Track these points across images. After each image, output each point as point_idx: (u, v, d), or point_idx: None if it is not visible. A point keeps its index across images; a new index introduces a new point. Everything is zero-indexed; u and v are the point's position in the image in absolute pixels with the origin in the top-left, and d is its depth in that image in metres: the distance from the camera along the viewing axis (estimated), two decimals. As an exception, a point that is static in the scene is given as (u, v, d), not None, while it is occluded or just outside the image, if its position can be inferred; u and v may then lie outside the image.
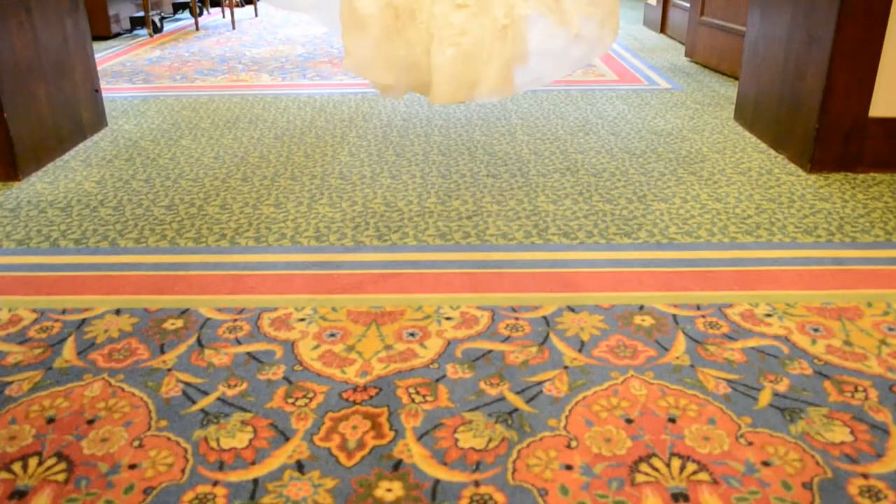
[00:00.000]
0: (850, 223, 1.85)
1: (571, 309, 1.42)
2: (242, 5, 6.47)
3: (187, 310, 1.43)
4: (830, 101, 2.15)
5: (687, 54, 3.97)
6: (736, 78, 3.11)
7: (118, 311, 1.43)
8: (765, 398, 1.14)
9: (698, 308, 1.42)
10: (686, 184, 2.11)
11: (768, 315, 1.39)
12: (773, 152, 2.40)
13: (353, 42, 1.56)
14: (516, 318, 1.39)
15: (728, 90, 3.23)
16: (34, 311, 1.44)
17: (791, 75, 2.33)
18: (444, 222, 1.85)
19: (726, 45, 3.53)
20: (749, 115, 2.65)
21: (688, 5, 4.15)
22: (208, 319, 1.39)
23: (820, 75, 2.16)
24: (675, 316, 1.39)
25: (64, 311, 1.43)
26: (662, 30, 4.91)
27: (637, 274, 1.57)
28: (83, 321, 1.39)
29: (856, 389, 1.16)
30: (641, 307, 1.42)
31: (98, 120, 2.72)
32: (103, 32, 4.94)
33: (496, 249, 1.70)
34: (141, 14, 5.24)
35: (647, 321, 1.37)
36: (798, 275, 1.57)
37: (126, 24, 5.22)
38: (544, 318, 1.39)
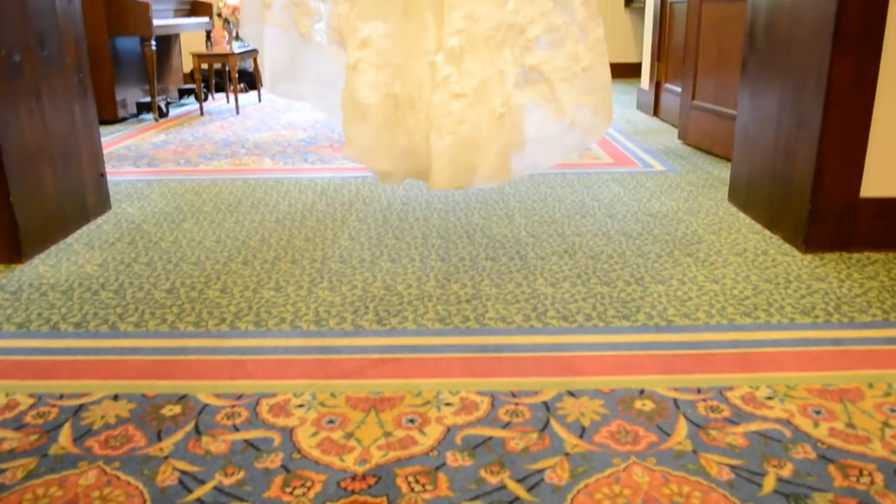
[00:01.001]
0: (848, 303, 1.86)
1: (572, 394, 1.41)
2: (246, 91, 6.64)
3: (185, 395, 1.42)
4: (822, 182, 2.20)
5: (680, 137, 4.06)
6: (729, 160, 3.17)
7: (116, 397, 1.42)
8: (769, 484, 1.12)
9: (699, 391, 1.42)
10: (683, 265, 2.13)
11: (769, 398, 1.39)
12: (767, 233, 2.43)
13: (354, 130, 1.61)
14: (516, 404, 1.38)
15: (721, 172, 3.29)
16: (31, 395, 1.44)
17: (782, 158, 2.39)
18: (443, 306, 1.86)
19: (718, 128, 3.62)
20: (743, 196, 2.70)
21: (679, 90, 4.27)
22: (206, 405, 1.39)
23: (810, 158, 2.21)
24: (675, 400, 1.38)
25: (61, 397, 1.43)
26: (655, 113, 5.03)
27: (637, 357, 1.57)
28: (80, 407, 1.39)
29: (861, 473, 1.15)
30: (642, 391, 1.42)
31: (102, 203, 2.76)
32: (110, 117, 5.05)
33: (495, 333, 1.70)
34: (147, 99, 5.38)
35: (648, 405, 1.36)
36: (798, 356, 1.57)
37: (133, 109, 5.35)
38: (544, 403, 1.38)
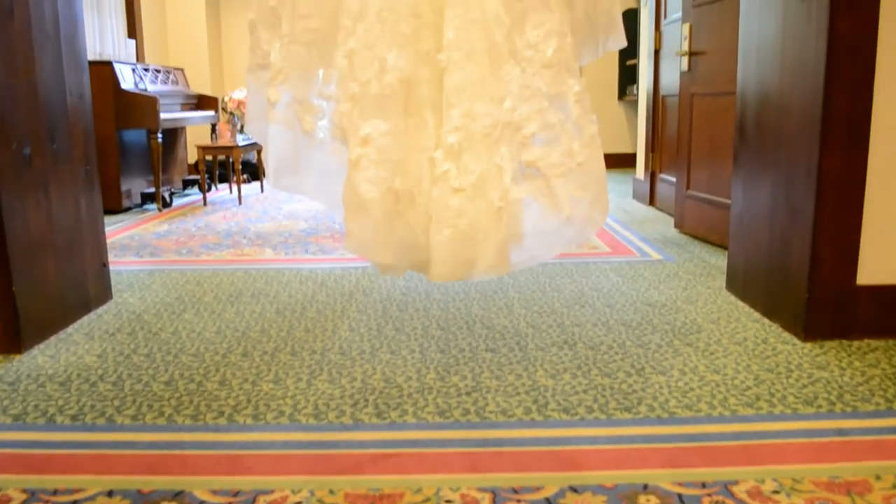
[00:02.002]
0: (850, 392, 1.85)
1: (574, 489, 1.39)
2: (249, 182, 6.76)
3: (181, 492, 1.40)
4: (818, 270, 2.22)
5: (676, 226, 4.11)
6: (725, 248, 3.21)
7: (110, 493, 1.40)
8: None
9: (704, 486, 1.39)
10: (683, 355, 2.12)
11: (776, 492, 1.37)
12: (766, 321, 2.43)
13: (355, 224, 1.64)
14: (518, 500, 1.35)
15: (718, 260, 3.32)
16: (24, 490, 1.41)
17: (777, 247, 2.42)
18: (443, 399, 1.84)
19: (713, 216, 3.67)
20: (740, 284, 2.72)
21: (674, 179, 4.35)
22: (202, 502, 1.36)
23: (805, 246, 2.24)
24: (680, 495, 1.36)
25: (55, 492, 1.40)
26: (651, 202, 5.11)
27: (639, 451, 1.55)
28: (74, 503, 1.36)
29: (872, 575, 1.12)
30: (645, 486, 1.40)
31: (104, 293, 2.78)
32: (115, 207, 5.13)
33: (496, 427, 1.68)
34: (152, 190, 5.47)
35: (653, 501, 1.34)
36: (802, 448, 1.55)
37: (137, 199, 5.43)
38: (546, 499, 1.36)
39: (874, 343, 2.20)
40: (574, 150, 1.63)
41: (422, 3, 1.62)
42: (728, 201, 3.11)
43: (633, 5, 7.23)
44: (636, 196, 5.43)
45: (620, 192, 5.77)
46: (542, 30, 1.60)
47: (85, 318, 2.59)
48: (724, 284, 2.90)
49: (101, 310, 2.69)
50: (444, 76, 1.61)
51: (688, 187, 3.98)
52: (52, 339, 2.37)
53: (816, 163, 2.18)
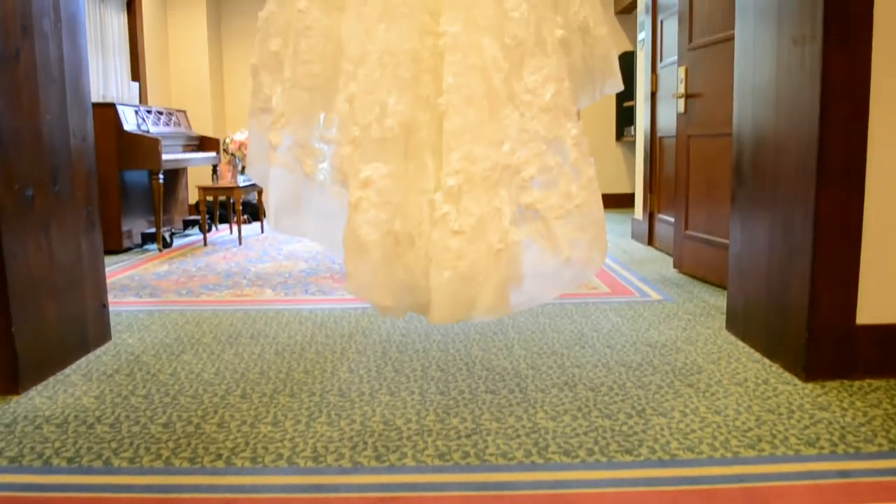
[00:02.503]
0: (853, 433, 1.84)
1: (575, 533, 1.37)
2: (249, 222, 6.79)
3: (178, 537, 1.38)
4: (817, 310, 2.22)
5: (675, 266, 4.12)
6: (724, 288, 3.21)
7: (106, 540, 1.38)
8: None
9: (706, 531, 1.38)
10: (684, 396, 2.11)
11: (779, 538, 1.35)
12: (767, 361, 2.43)
13: (354, 266, 1.65)
14: (518, 545, 1.34)
15: (718, 300, 3.32)
16: (19, 539, 1.40)
17: (776, 287, 2.42)
18: (442, 441, 1.83)
19: (712, 256, 3.69)
20: (740, 324, 2.71)
21: (672, 220, 4.37)
22: (199, 548, 1.34)
23: (804, 286, 2.24)
24: (682, 540, 1.34)
25: (50, 540, 1.39)
26: (650, 242, 5.13)
27: (641, 494, 1.54)
28: (69, 551, 1.35)
29: None
30: (647, 531, 1.38)
31: (103, 334, 2.77)
32: (115, 247, 5.15)
33: (496, 470, 1.67)
34: (153, 230, 5.50)
35: (654, 546, 1.33)
36: (806, 490, 1.54)
37: (137, 240, 5.45)
38: (547, 544, 1.34)
39: (875, 383, 2.20)
40: (572, 192, 1.65)
41: (422, 49, 1.65)
42: (726, 241, 3.13)
43: (629, 48, 7.35)
44: (635, 236, 5.45)
45: (619, 232, 5.79)
46: (539, 75, 1.63)
47: (83, 359, 2.58)
48: (723, 324, 2.90)
49: (99, 350, 2.68)
50: (443, 120, 1.64)
51: (686, 227, 4.00)
52: (50, 379, 2.36)
53: (813, 203, 2.20)
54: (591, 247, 1.70)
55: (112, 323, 2.93)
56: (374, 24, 1.63)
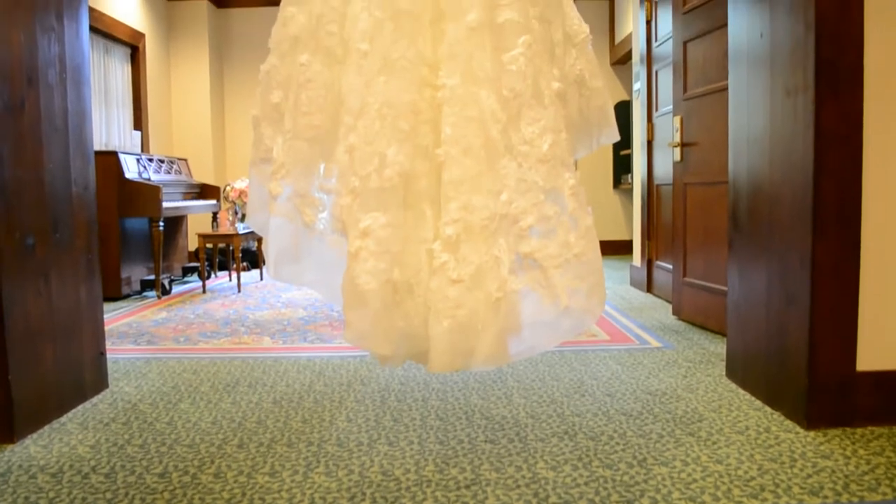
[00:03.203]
0: (856, 481, 1.82)
1: (576, 588, 1.35)
2: (248, 269, 6.80)
3: (172, 593, 1.36)
4: (817, 358, 2.22)
5: (674, 312, 4.12)
6: (724, 335, 3.21)
7: None
8: None
9: (709, 585, 1.36)
10: (685, 445, 2.10)
11: (783, 592, 1.33)
12: (768, 409, 2.41)
13: (353, 315, 1.65)
14: None
15: (717, 347, 3.31)
16: None
17: (775, 334, 2.42)
18: (441, 492, 1.81)
19: (711, 303, 3.69)
20: (740, 372, 2.70)
21: (670, 267, 4.39)
22: None
23: (803, 333, 2.24)
24: None
25: None
26: (649, 289, 5.13)
27: (642, 546, 1.52)
28: None
29: None
30: (649, 585, 1.36)
31: (100, 381, 2.76)
32: (114, 294, 5.15)
33: (496, 520, 1.65)
34: (152, 277, 5.50)
35: None
36: (809, 545, 1.52)
37: (136, 287, 5.45)
38: None
39: (878, 430, 2.18)
40: (570, 241, 1.66)
41: (420, 101, 1.68)
42: (725, 288, 3.13)
43: (625, 97, 7.46)
44: (633, 283, 5.46)
45: (618, 279, 5.80)
46: (537, 126, 1.65)
47: (80, 407, 2.56)
48: (723, 372, 2.88)
49: (96, 399, 2.67)
50: (442, 170, 1.66)
51: (684, 274, 4.01)
52: (46, 428, 2.34)
53: (809, 251, 2.21)
54: (590, 296, 1.70)
55: (109, 370, 2.92)
56: (373, 77, 1.66)
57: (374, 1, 1.70)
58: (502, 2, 1.67)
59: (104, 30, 6.08)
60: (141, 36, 6.78)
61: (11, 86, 2.27)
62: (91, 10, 5.53)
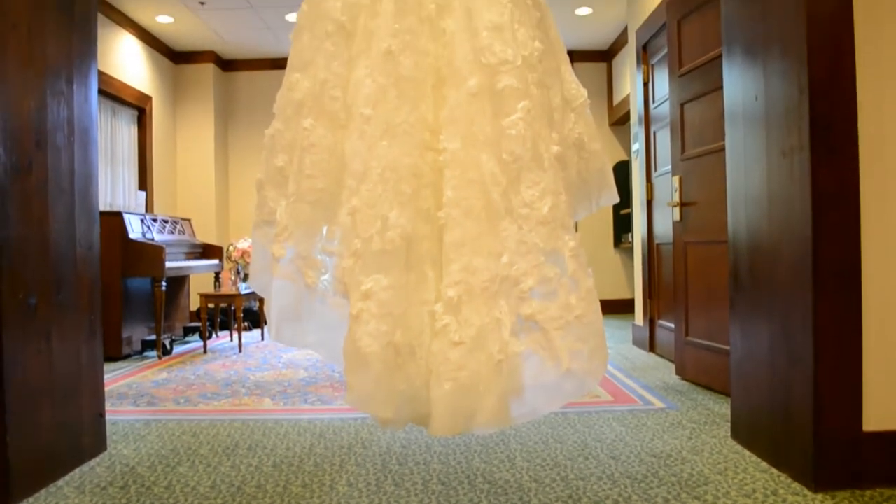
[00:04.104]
0: (867, 549, 1.78)
1: None
2: (250, 329, 6.79)
3: None
4: (822, 418, 2.20)
5: (677, 372, 4.09)
6: (728, 395, 3.18)
7: None
8: None
9: None
10: (691, 510, 2.06)
11: None
12: (775, 471, 2.38)
13: (355, 378, 1.65)
14: None
15: (722, 408, 3.28)
16: None
17: (780, 394, 2.40)
18: (443, 558, 1.78)
19: (714, 363, 3.66)
20: (745, 433, 2.67)
21: (673, 326, 4.37)
22: None
23: (807, 394, 2.23)
24: None
25: None
26: (651, 349, 5.10)
27: None
28: None
29: None
30: None
31: (98, 443, 2.73)
32: (114, 354, 5.13)
33: (499, 589, 1.61)
34: (153, 337, 5.48)
35: None
36: None
37: (137, 347, 5.43)
38: None
39: (887, 492, 2.14)
40: (571, 303, 1.66)
41: (422, 164, 1.71)
42: (728, 348, 3.12)
43: (624, 157, 7.55)
44: (636, 342, 5.43)
45: (620, 339, 5.77)
46: (537, 189, 1.67)
47: (77, 470, 2.53)
48: (728, 433, 2.85)
49: (94, 461, 2.63)
50: (443, 232, 1.67)
51: (687, 334, 3.99)
52: (42, 492, 2.30)
53: (811, 310, 2.21)
54: (592, 357, 1.70)
55: (108, 432, 2.88)
56: (376, 141, 1.69)
57: (377, 67, 1.74)
58: (502, 68, 1.71)
59: (112, 93, 6.21)
60: (148, 98, 6.91)
61: (20, 148, 2.31)
62: (100, 73, 5.66)
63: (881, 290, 2.22)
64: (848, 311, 2.21)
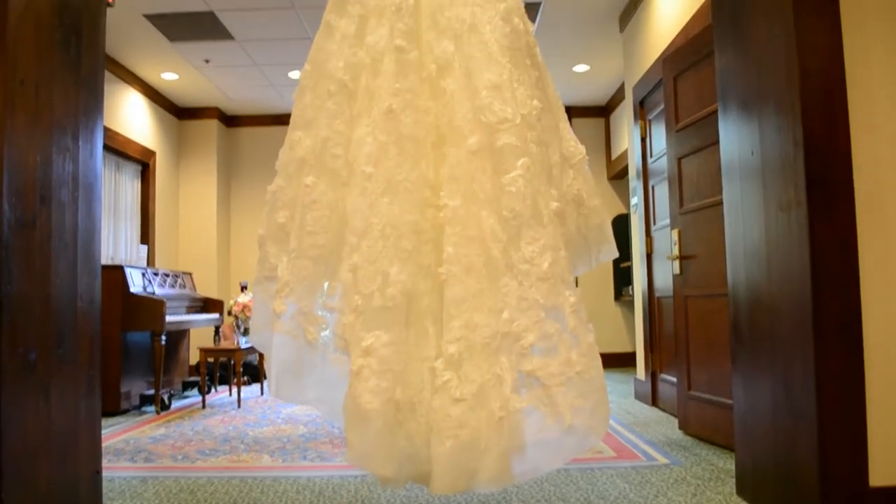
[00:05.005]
0: None
1: None
2: (249, 383, 6.74)
3: None
4: (828, 473, 2.17)
5: (680, 427, 4.05)
6: (732, 450, 3.14)
7: None
8: None
9: None
10: (697, 571, 2.02)
11: None
12: (782, 531, 2.33)
13: (355, 435, 1.64)
14: None
15: (726, 463, 3.24)
16: None
17: (784, 449, 2.37)
18: None
19: (717, 417, 3.63)
20: (751, 489, 2.63)
21: (675, 380, 4.34)
22: None
23: (812, 449, 2.20)
24: None
25: None
26: (654, 403, 5.06)
27: None
28: None
29: None
30: None
31: (94, 502, 2.68)
32: (112, 408, 5.08)
33: None
34: (151, 391, 5.44)
35: None
36: None
37: (136, 401, 5.38)
38: None
39: (896, 551, 2.11)
40: (573, 359, 1.66)
41: (423, 221, 1.73)
42: (731, 402, 3.09)
43: (623, 211, 7.60)
44: (638, 396, 5.39)
45: (622, 393, 5.72)
46: (536, 245, 1.69)
47: (71, 532, 2.48)
48: (734, 489, 2.80)
49: (88, 522, 2.59)
50: (444, 288, 1.68)
51: (689, 388, 3.96)
52: (35, 555, 2.26)
53: (813, 364, 2.20)
54: (594, 414, 1.69)
55: (104, 490, 2.84)
56: (377, 199, 1.71)
57: (378, 125, 1.78)
58: (501, 127, 1.74)
59: (117, 148, 6.29)
60: (152, 153, 7.00)
61: (24, 203, 2.33)
62: (105, 129, 5.74)
63: (883, 342, 2.21)
64: (850, 365, 2.20)
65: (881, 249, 2.24)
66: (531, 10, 5.32)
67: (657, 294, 4.99)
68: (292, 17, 5.48)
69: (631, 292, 6.92)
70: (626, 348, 7.67)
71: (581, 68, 6.76)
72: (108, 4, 3.43)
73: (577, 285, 1.81)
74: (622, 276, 7.70)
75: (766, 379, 2.51)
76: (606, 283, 7.91)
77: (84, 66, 2.74)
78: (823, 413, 2.19)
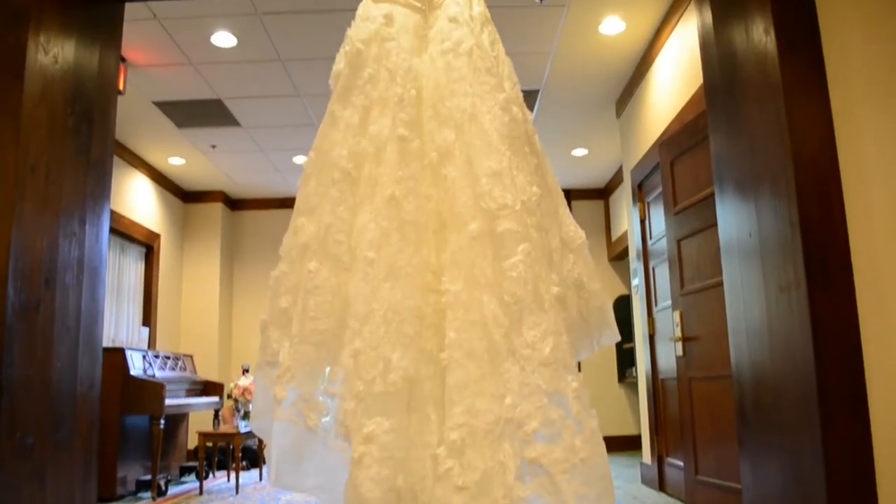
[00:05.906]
0: None
1: None
2: (248, 468, 6.60)
3: None
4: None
5: (689, 513, 3.95)
6: (743, 539, 3.05)
7: None
8: None
9: None
10: None
11: None
12: None
13: (356, 524, 1.60)
14: None
15: (738, 553, 3.14)
16: None
17: (796, 542, 2.31)
18: None
19: (726, 502, 3.54)
20: (764, 582, 2.55)
21: (682, 464, 4.26)
22: None
23: (826, 540, 2.14)
24: None
25: None
26: (661, 488, 4.94)
27: None
28: None
29: None
30: None
31: None
32: (108, 494, 4.97)
33: None
34: (148, 477, 5.33)
35: None
36: None
37: (132, 487, 5.27)
38: None
39: None
40: (576, 445, 1.64)
41: (425, 306, 1.74)
42: (739, 486, 3.03)
43: (625, 292, 7.61)
44: (645, 481, 5.27)
45: (629, 477, 5.60)
46: (538, 330, 1.69)
47: None
48: (746, 580, 2.72)
49: None
50: (446, 374, 1.68)
51: (696, 472, 3.89)
52: None
53: (820, 445, 2.17)
54: (599, 502, 1.65)
55: (96, 583, 2.76)
56: (379, 284, 1.73)
57: (381, 212, 1.81)
58: (502, 212, 1.77)
59: (122, 230, 6.36)
60: (156, 236, 7.07)
61: (29, 287, 2.34)
62: (111, 212, 5.82)
63: (890, 418, 2.18)
64: (858, 442, 2.17)
65: (884, 326, 2.24)
66: (530, 97, 5.48)
67: (661, 375, 4.94)
68: (297, 105, 5.63)
69: (635, 374, 6.86)
70: (632, 431, 7.54)
71: (580, 152, 6.89)
72: (119, 92, 3.54)
73: (579, 367, 1.80)
74: (625, 358, 7.64)
75: (775, 462, 2.47)
76: (610, 365, 7.84)
77: (94, 151, 2.81)
78: (832, 496, 2.14)
